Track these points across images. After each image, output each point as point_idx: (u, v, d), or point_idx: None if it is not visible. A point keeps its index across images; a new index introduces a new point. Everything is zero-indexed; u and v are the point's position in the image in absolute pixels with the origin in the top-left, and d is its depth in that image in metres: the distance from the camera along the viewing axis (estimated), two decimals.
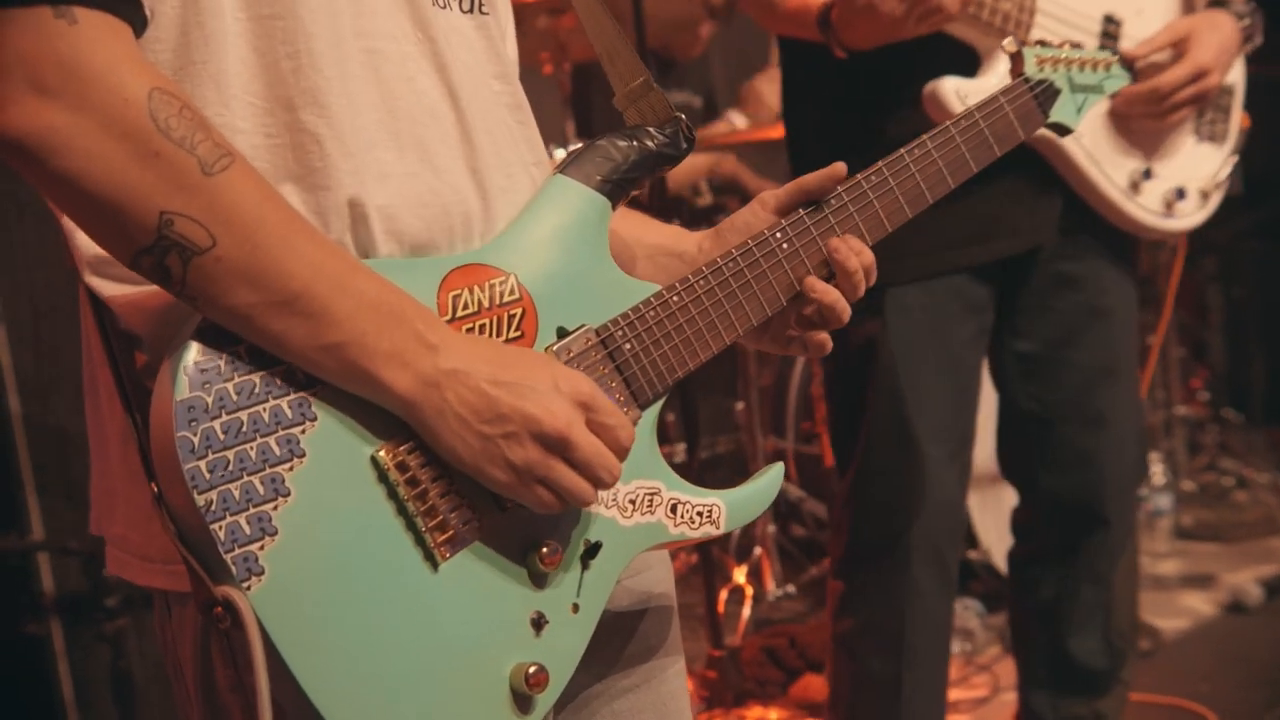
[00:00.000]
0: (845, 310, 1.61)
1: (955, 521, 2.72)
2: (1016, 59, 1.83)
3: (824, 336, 1.63)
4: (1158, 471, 5.36)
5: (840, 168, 1.63)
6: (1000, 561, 3.87)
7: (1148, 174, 2.61)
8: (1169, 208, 2.65)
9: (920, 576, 2.63)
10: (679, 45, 5.32)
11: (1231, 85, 2.74)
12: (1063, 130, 1.87)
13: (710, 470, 4.97)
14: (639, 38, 3.96)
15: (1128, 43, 2.56)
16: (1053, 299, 2.67)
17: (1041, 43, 1.86)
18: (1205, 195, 2.71)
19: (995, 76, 2.41)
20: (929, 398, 2.60)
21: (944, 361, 2.62)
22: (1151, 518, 5.27)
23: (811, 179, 1.63)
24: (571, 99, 4.62)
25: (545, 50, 4.42)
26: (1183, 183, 2.67)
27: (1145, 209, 2.63)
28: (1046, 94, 1.82)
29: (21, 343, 3.06)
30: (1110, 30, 2.56)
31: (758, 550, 4.62)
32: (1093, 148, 2.55)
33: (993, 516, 4.19)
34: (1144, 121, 2.57)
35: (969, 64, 2.46)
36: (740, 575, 4.45)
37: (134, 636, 3.17)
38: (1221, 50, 2.56)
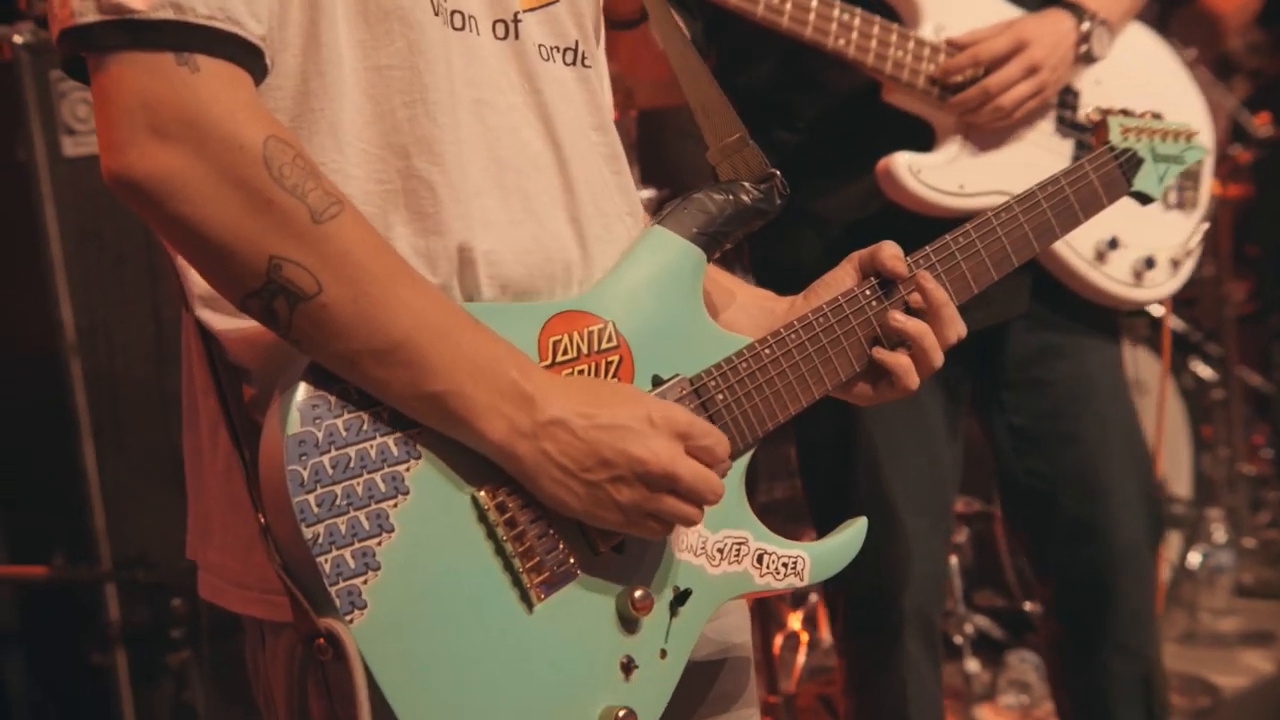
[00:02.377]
0: (935, 347, 1.61)
1: (939, 589, 2.73)
2: (1101, 127, 1.85)
3: (908, 364, 1.62)
4: (1219, 529, 5.32)
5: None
6: None
7: (1114, 243, 2.55)
8: (1138, 277, 2.59)
9: (913, 650, 2.63)
10: None
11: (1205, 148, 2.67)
12: (1145, 199, 1.88)
13: (765, 516, 4.94)
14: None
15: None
16: (1038, 370, 2.63)
17: (1125, 112, 1.88)
18: (1176, 264, 2.64)
19: (949, 151, 2.39)
20: (909, 471, 2.59)
21: (921, 435, 2.59)
22: (1212, 574, 5.23)
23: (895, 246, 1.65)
24: (637, 144, 4.66)
25: (614, 95, 4.45)
26: (1151, 251, 2.60)
27: (1112, 278, 2.57)
28: (1130, 163, 1.84)
29: (97, 379, 3.11)
30: (1068, 100, 2.51)
31: (813, 597, 4.61)
32: None
33: None
34: (993, 123, 2.46)
35: (919, 137, 2.44)
36: (795, 621, 4.44)
37: (196, 668, 3.20)
38: (1053, 45, 2.43)
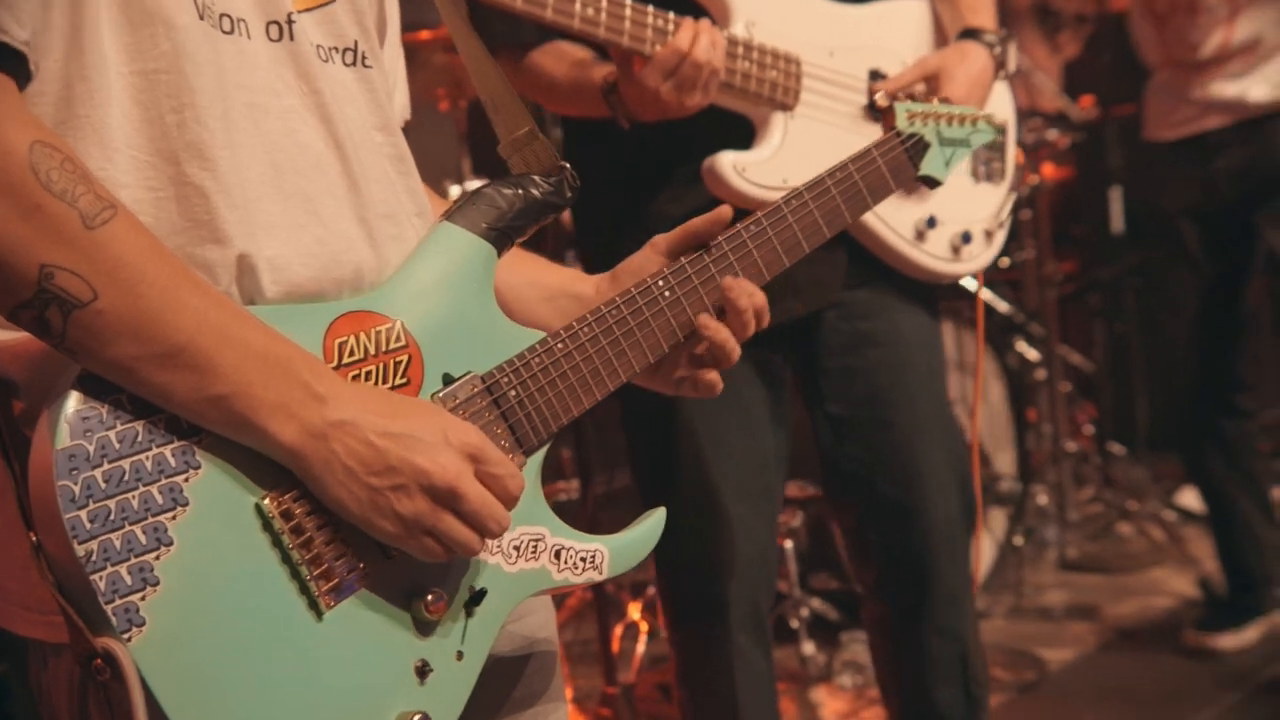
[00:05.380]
0: (735, 349, 1.65)
1: (767, 575, 2.73)
2: (888, 113, 1.88)
3: (714, 376, 1.67)
4: (1044, 504, 5.46)
5: (725, 211, 1.67)
6: None
7: (931, 222, 2.59)
8: (956, 252, 2.64)
9: (740, 639, 2.64)
10: None
11: (1003, 122, 2.70)
12: (932, 183, 1.92)
13: (610, 506, 4.97)
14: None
15: None
16: (853, 358, 2.65)
17: (911, 97, 1.91)
18: (990, 235, 2.69)
19: (770, 146, 2.40)
20: (731, 457, 2.60)
21: (743, 421, 2.61)
22: (1037, 549, 5.37)
23: (699, 222, 1.68)
24: (468, 135, 4.63)
25: (442, 86, 4.43)
26: (967, 225, 2.65)
27: (932, 255, 2.61)
28: (917, 148, 1.87)
29: None
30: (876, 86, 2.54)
31: (652, 588, 4.63)
32: None
33: None
34: None
35: (745, 135, 2.44)
36: (635, 611, 4.46)
37: (17, 681, 3.11)
38: (973, 83, 2.49)
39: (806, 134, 2.43)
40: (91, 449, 1.22)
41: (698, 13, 2.37)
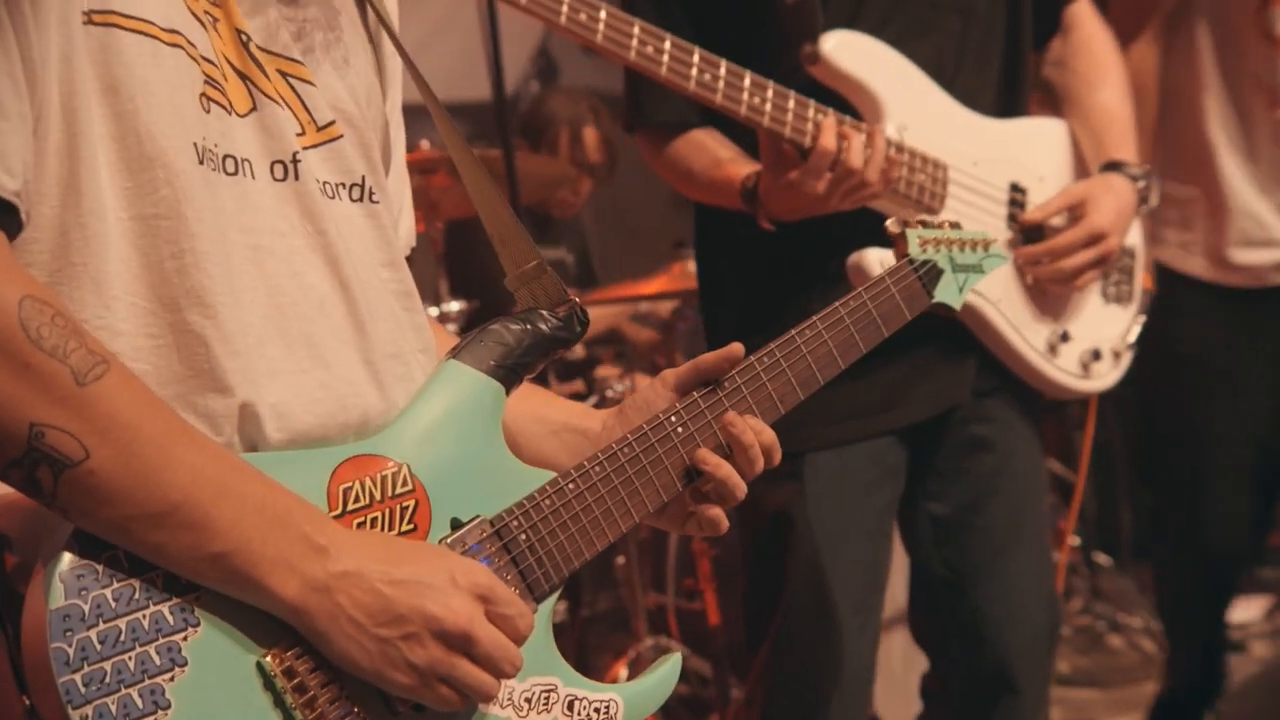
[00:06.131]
0: (739, 486, 1.60)
1: (867, 693, 2.69)
2: (900, 240, 1.85)
3: (718, 513, 1.61)
4: None
5: (737, 349, 1.63)
6: None
7: (1065, 336, 2.62)
8: (1085, 369, 2.66)
9: None
10: (556, 203, 5.34)
11: (1132, 247, 2.76)
12: (947, 310, 1.89)
13: (592, 627, 4.90)
14: (512, 194, 3.96)
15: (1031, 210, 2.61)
16: (965, 461, 2.64)
17: (923, 223, 1.89)
18: (1117, 355, 2.73)
19: None
20: (847, 567, 2.57)
21: (861, 529, 2.59)
22: None
23: (708, 359, 1.63)
24: (445, 256, 4.61)
25: (418, 209, 4.40)
26: (1097, 344, 2.68)
27: (1064, 371, 2.64)
28: (930, 274, 1.84)
29: None
30: (1016, 199, 2.59)
31: (736, 693, 4.52)
32: (1010, 313, 2.55)
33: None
34: (1053, 285, 2.60)
35: (878, 233, 2.47)
36: None
37: None
38: (1118, 214, 2.57)
39: None
40: (87, 608, 1.17)
41: (850, 111, 2.41)
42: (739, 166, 2.46)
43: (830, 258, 2.42)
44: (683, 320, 4.71)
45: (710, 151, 2.53)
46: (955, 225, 1.96)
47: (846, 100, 2.44)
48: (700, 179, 2.54)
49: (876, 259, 2.33)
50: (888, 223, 1.87)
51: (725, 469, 1.58)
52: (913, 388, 2.57)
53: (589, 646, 4.75)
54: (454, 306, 4.33)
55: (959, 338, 2.56)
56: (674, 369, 1.66)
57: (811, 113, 2.30)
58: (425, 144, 4.29)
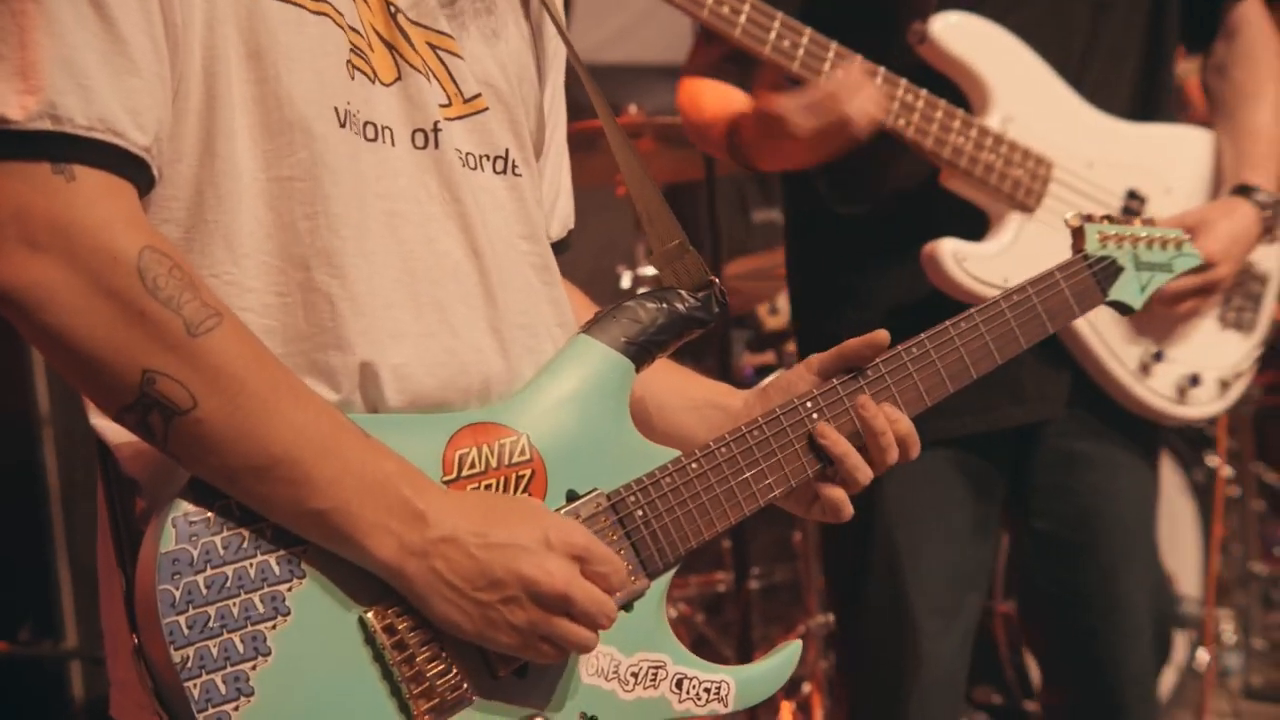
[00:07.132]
0: (858, 468, 1.55)
1: (952, 699, 2.62)
2: (1078, 234, 1.78)
3: (841, 496, 1.57)
4: (1228, 630, 5.19)
5: (882, 335, 1.59)
6: None
7: (1159, 356, 2.47)
8: (1181, 394, 2.51)
9: None
10: None
11: (1264, 273, 2.59)
12: (1124, 309, 1.81)
13: (765, 600, 4.88)
14: (710, 195, 3.92)
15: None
16: (1066, 478, 2.55)
17: (1109, 218, 1.81)
18: (1225, 385, 2.56)
19: (999, 243, 2.34)
20: (926, 569, 2.51)
21: (944, 532, 2.52)
22: (1220, 677, 5.10)
23: (852, 345, 1.60)
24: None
25: (619, 171, 4.42)
26: (1199, 369, 2.52)
27: (1155, 393, 2.50)
28: (1107, 271, 1.77)
29: (70, 451, 3.07)
30: (1132, 206, 2.46)
31: (807, 686, 4.51)
32: (1103, 327, 2.44)
33: None
34: (1155, 305, 2.45)
35: (977, 225, 2.38)
36: (788, 713, 4.34)
37: None
38: (1233, 240, 2.40)
39: (1040, 239, 2.35)
40: (196, 553, 1.21)
41: (958, 99, 2.35)
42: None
43: (914, 243, 2.35)
44: None
45: (723, 95, 2.49)
46: (1149, 222, 1.88)
47: (956, 85, 2.36)
48: (699, 131, 2.53)
49: (950, 251, 2.27)
50: (1067, 216, 1.80)
51: (844, 446, 1.54)
52: (999, 394, 2.45)
53: (761, 618, 4.74)
54: (649, 271, 4.34)
55: (1056, 348, 2.43)
56: (820, 353, 1.63)
57: (900, 93, 2.24)
58: (633, 108, 4.29)
